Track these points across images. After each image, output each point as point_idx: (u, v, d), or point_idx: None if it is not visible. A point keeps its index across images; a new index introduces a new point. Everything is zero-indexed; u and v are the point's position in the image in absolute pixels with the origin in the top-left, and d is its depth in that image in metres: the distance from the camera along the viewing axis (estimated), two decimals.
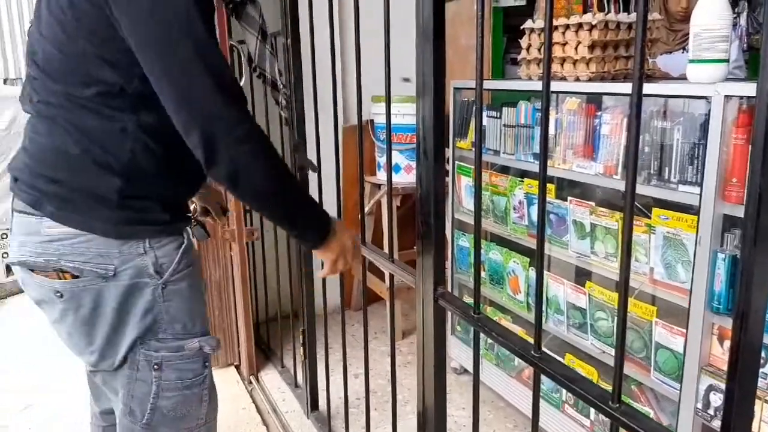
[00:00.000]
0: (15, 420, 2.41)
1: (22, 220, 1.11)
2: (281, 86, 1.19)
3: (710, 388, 1.51)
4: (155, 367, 1.16)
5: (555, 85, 1.94)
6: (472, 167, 2.32)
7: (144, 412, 1.17)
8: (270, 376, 2.60)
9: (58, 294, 1.10)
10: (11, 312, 3.57)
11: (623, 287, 0.77)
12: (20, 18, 5.99)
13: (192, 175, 1.20)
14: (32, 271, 1.12)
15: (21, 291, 3.78)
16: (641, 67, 0.73)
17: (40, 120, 1.09)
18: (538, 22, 2.08)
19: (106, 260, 1.09)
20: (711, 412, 1.52)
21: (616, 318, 1.56)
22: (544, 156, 0.88)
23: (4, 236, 3.76)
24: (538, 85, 2.06)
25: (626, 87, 1.71)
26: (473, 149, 2.18)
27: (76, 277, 1.09)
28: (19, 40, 6.01)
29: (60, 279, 1.09)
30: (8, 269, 3.79)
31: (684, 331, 1.56)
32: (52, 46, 1.05)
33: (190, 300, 1.20)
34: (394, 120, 2.72)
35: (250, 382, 2.57)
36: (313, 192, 1.82)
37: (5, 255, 3.77)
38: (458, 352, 2.56)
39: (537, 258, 0.94)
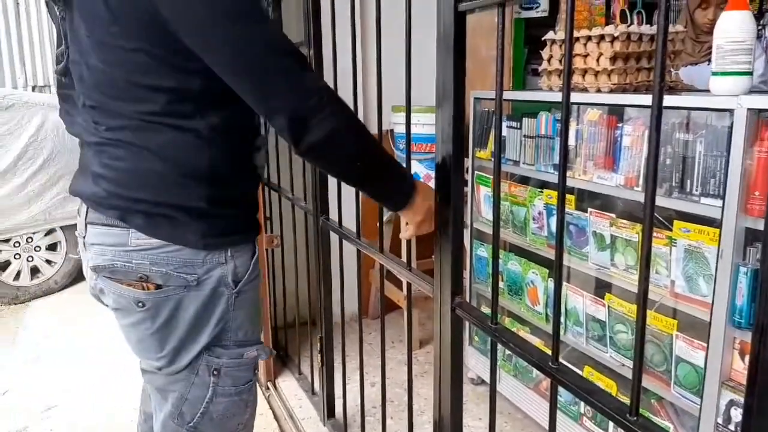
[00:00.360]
0: (36, 421, 2.44)
1: (104, 231, 1.11)
2: None
3: (731, 403, 1.49)
4: (214, 372, 1.18)
5: (576, 97, 1.94)
6: (492, 177, 2.32)
7: (194, 415, 1.19)
8: (287, 383, 2.61)
9: (140, 304, 1.12)
10: (35, 315, 3.63)
11: (642, 299, 0.77)
12: (50, 26, 6.12)
13: (257, 170, 1.24)
14: (112, 280, 1.12)
15: (45, 294, 3.85)
16: (662, 79, 0.73)
17: (115, 146, 1.09)
18: (559, 33, 2.09)
19: (191, 269, 1.11)
20: (732, 427, 1.50)
21: (635, 330, 1.55)
22: (563, 167, 0.88)
23: (30, 240, 3.82)
24: (558, 96, 2.05)
25: (648, 99, 1.70)
26: (492, 159, 2.19)
27: (159, 287, 1.11)
28: (48, 49, 6.14)
29: (144, 290, 1.11)
30: (33, 272, 3.86)
31: (705, 345, 1.54)
32: (108, 68, 1.05)
33: (254, 308, 1.24)
34: (413, 129, 2.74)
35: (267, 388, 2.59)
36: (332, 199, 1.84)
37: (30, 259, 3.84)
38: (475, 363, 2.55)
39: (555, 269, 0.94)
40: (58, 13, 1.12)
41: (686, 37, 2.86)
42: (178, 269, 1.10)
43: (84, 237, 1.16)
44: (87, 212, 1.14)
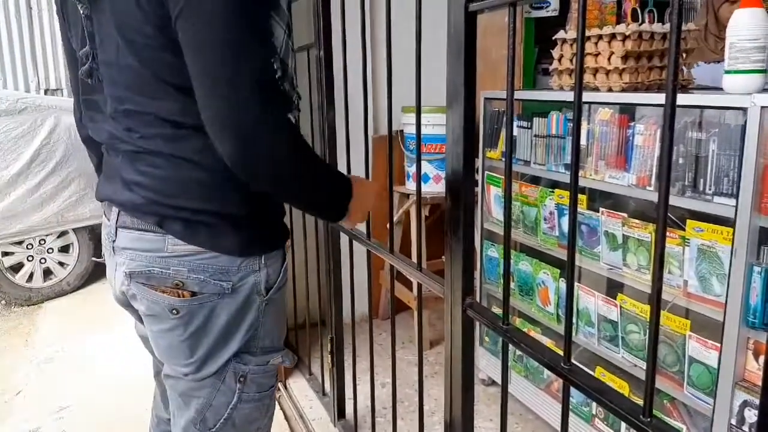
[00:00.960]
0: (48, 422, 2.46)
1: (138, 235, 1.10)
2: (296, 85, 1.19)
3: (745, 404, 1.47)
4: (240, 379, 1.17)
5: (587, 96, 1.93)
6: (502, 177, 2.31)
7: (217, 421, 1.18)
8: (298, 384, 2.62)
9: (174, 311, 1.10)
10: (48, 316, 3.66)
11: (655, 299, 0.77)
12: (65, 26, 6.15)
13: None
14: (147, 286, 1.11)
15: (57, 296, 3.88)
16: (675, 78, 0.72)
17: (151, 154, 1.07)
18: (570, 32, 2.08)
19: (226, 276, 1.10)
20: (746, 428, 1.48)
21: (648, 331, 1.54)
22: (575, 166, 0.87)
23: (42, 242, 3.86)
24: (569, 96, 2.06)
25: (659, 98, 1.69)
26: (503, 159, 2.18)
27: (194, 294, 1.10)
28: (60, 53, 6.18)
29: (178, 297, 1.09)
30: (46, 274, 3.89)
31: (718, 345, 1.53)
32: (141, 67, 1.03)
33: (280, 315, 1.24)
34: (423, 130, 2.73)
35: (278, 389, 2.59)
36: None
37: (42, 261, 3.87)
38: (486, 364, 2.54)
39: (568, 269, 0.94)
40: (82, 12, 1.09)
41: (707, 33, 2.83)
42: (214, 276, 1.10)
43: (114, 241, 1.14)
44: (118, 216, 1.12)
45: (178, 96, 1.03)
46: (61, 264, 3.95)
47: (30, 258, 3.85)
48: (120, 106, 1.08)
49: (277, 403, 2.47)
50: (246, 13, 0.96)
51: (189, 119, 1.03)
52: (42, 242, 3.87)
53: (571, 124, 0.87)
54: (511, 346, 1.09)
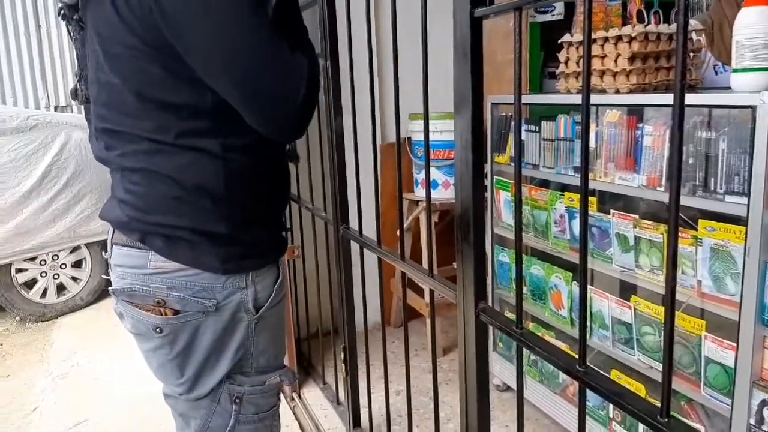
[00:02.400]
0: None
1: (126, 252, 1.10)
2: None
3: (763, 403, 1.46)
4: (236, 401, 1.15)
5: (595, 98, 1.93)
6: (512, 182, 2.31)
7: None
8: (312, 393, 2.61)
9: (158, 330, 1.09)
10: (62, 332, 3.68)
11: (669, 298, 0.76)
12: (71, 48, 6.23)
13: (283, 187, 1.22)
14: (131, 304, 1.11)
15: (71, 311, 3.91)
16: (683, 77, 0.72)
17: (131, 171, 1.07)
18: (576, 35, 2.08)
19: (209, 294, 1.09)
20: (765, 428, 1.47)
21: (663, 331, 1.53)
22: (585, 167, 0.87)
23: (55, 258, 3.88)
24: (576, 99, 2.05)
25: (667, 98, 1.68)
26: (512, 164, 2.18)
27: (177, 313, 1.08)
28: (69, 70, 6.25)
29: (161, 315, 1.08)
30: (59, 289, 3.92)
31: (734, 345, 1.51)
32: (121, 81, 1.02)
33: (277, 333, 1.22)
34: (431, 136, 2.74)
35: (293, 399, 2.59)
36: (352, 209, 1.84)
37: (56, 276, 3.90)
38: (501, 369, 2.53)
39: (581, 272, 0.93)
40: (71, 35, 1.12)
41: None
42: (196, 294, 1.08)
43: (110, 257, 1.16)
44: (113, 233, 1.14)
45: (158, 114, 1.02)
46: (75, 279, 3.97)
47: (43, 274, 3.88)
48: (100, 124, 1.08)
49: (292, 413, 2.47)
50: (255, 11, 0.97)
51: (167, 137, 1.03)
52: (55, 258, 3.90)
53: (579, 127, 0.87)
54: (525, 351, 1.08)
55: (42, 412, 2.68)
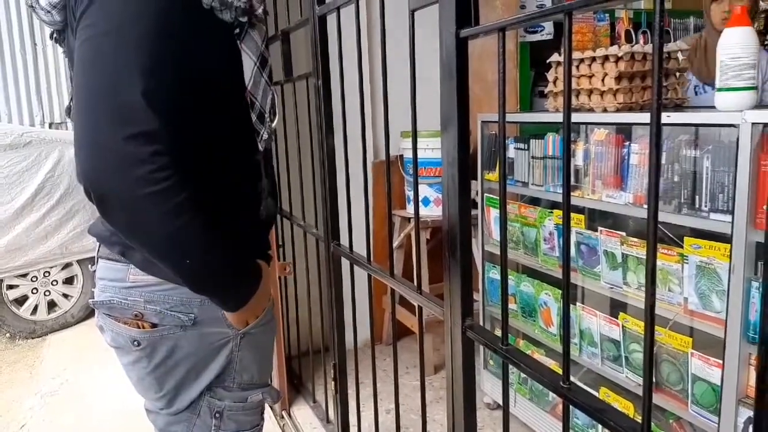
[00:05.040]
0: None
1: (107, 265, 1.11)
2: (267, 119, 1.15)
3: (749, 421, 1.46)
4: (216, 415, 1.14)
5: (583, 117, 1.96)
6: None
7: None
8: (302, 411, 2.60)
9: (135, 342, 1.09)
10: (52, 349, 3.65)
11: (648, 313, 0.77)
12: (66, 65, 6.26)
13: (254, 212, 1.17)
14: (110, 318, 1.11)
15: (61, 328, 3.89)
16: (659, 97, 0.74)
17: None
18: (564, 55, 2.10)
19: (187, 308, 1.08)
20: None
21: (643, 347, 1.54)
22: (567, 181, 0.89)
23: (47, 274, 3.87)
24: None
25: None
26: (499, 181, 2.19)
27: (155, 326, 1.08)
28: (64, 87, 6.27)
29: (139, 328, 1.08)
30: (50, 306, 3.90)
31: (720, 362, 1.52)
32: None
33: (263, 352, 1.20)
34: (422, 154, 2.76)
35: (282, 417, 2.58)
36: (343, 227, 1.85)
37: (47, 293, 3.88)
38: (491, 387, 2.53)
39: (564, 287, 0.94)
40: (65, 56, 1.13)
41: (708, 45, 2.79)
42: (174, 308, 1.07)
43: (95, 271, 1.16)
44: (99, 248, 1.14)
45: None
46: (66, 296, 3.96)
47: (35, 290, 3.86)
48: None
49: (281, 431, 2.46)
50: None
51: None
52: (46, 274, 3.89)
53: (563, 139, 0.89)
54: (513, 368, 1.09)
55: (30, 430, 2.66)
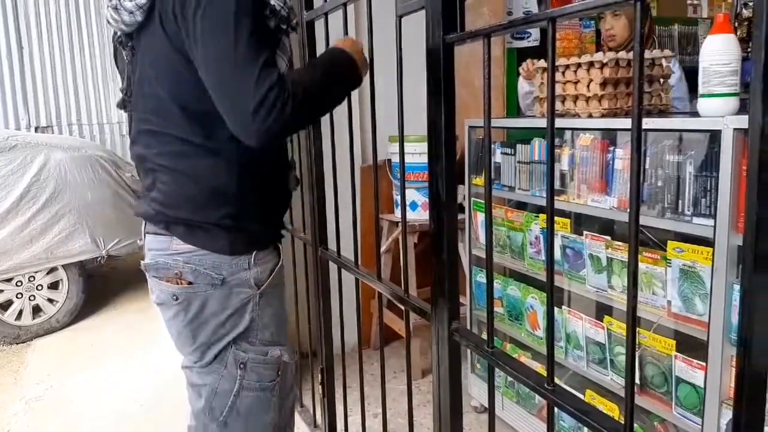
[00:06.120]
0: None
1: (154, 238, 1.34)
2: None
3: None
4: (241, 366, 1.35)
5: (568, 122, 1.98)
6: None
7: (223, 409, 1.35)
8: None
9: (174, 297, 1.32)
10: (37, 354, 3.62)
11: (630, 314, 0.78)
12: (52, 68, 6.23)
13: (284, 190, 1.44)
14: (157, 278, 1.34)
15: (46, 333, 3.85)
16: (640, 102, 0.75)
17: (161, 171, 1.31)
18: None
19: (218, 270, 1.31)
20: None
21: (625, 349, 1.55)
22: (550, 184, 0.90)
23: (32, 279, 3.84)
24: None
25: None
26: (484, 185, 2.20)
27: (191, 283, 1.31)
28: (51, 91, 6.24)
29: (178, 284, 1.31)
30: (35, 311, 3.86)
31: (704, 364, 1.54)
32: (164, 93, 1.25)
33: (279, 312, 1.43)
34: (410, 159, 2.77)
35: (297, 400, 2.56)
36: (331, 232, 1.85)
37: (32, 298, 3.85)
38: (479, 391, 2.54)
39: (548, 289, 0.96)
40: (125, 57, 1.34)
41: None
42: (207, 269, 1.30)
43: (144, 244, 1.39)
44: (145, 225, 1.38)
45: (190, 119, 1.25)
46: (51, 301, 3.92)
47: (19, 295, 3.82)
48: (143, 126, 1.32)
49: None
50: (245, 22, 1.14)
51: (195, 139, 1.26)
52: (31, 279, 3.85)
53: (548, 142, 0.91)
54: (498, 370, 1.10)
55: None
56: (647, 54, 1.93)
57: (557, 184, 2.00)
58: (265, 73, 1.11)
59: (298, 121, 1.23)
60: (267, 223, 1.40)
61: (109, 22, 1.32)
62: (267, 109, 1.10)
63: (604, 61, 1.89)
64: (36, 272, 3.85)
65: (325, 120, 1.90)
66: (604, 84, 1.89)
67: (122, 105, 1.41)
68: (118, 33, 1.34)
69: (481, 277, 2.48)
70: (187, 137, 1.26)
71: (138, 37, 1.30)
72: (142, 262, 1.39)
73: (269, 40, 1.24)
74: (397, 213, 3.01)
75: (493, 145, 2.08)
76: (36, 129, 6.09)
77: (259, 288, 1.35)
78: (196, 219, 1.29)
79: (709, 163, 1.52)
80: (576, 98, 1.99)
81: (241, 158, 1.27)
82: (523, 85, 2.77)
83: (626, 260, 1.77)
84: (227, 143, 1.24)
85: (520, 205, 2.32)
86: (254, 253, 1.33)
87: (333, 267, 1.94)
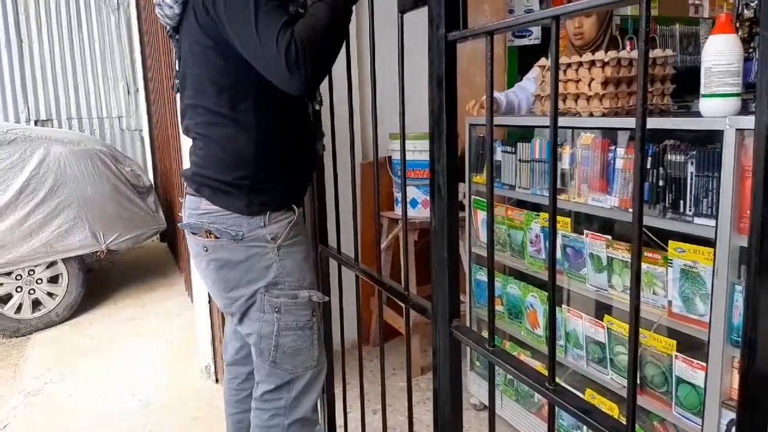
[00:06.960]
0: None
1: (190, 198, 1.59)
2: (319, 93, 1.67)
3: (732, 423, 1.48)
4: (276, 309, 1.57)
5: (569, 121, 1.97)
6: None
7: (269, 350, 1.59)
8: None
9: (205, 248, 1.56)
10: (37, 348, 3.62)
11: (633, 314, 0.78)
12: (52, 62, 6.21)
13: (307, 162, 1.68)
14: (192, 234, 1.59)
15: (46, 327, 3.85)
16: (644, 101, 0.75)
17: (198, 138, 1.56)
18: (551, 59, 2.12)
19: (238, 228, 1.53)
20: None
21: (627, 349, 1.55)
22: (553, 184, 0.90)
23: (31, 272, 3.84)
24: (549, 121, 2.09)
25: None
26: (486, 183, 2.20)
27: (217, 238, 1.54)
28: (51, 84, 6.22)
29: (207, 238, 1.55)
30: (35, 305, 3.86)
31: (704, 364, 1.54)
32: (198, 70, 1.49)
33: (300, 261, 1.62)
34: (410, 156, 2.76)
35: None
36: (331, 228, 1.85)
37: (31, 291, 3.85)
38: (478, 388, 2.54)
39: (550, 288, 0.95)
40: (174, 47, 1.62)
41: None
42: (229, 227, 1.52)
43: (183, 202, 1.63)
44: (185, 186, 1.61)
45: (219, 93, 1.47)
46: (50, 295, 3.92)
47: (19, 289, 3.83)
48: (187, 101, 1.57)
49: None
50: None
51: (223, 110, 1.48)
52: (31, 273, 3.85)
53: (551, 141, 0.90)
54: (498, 369, 1.10)
55: (13, 429, 2.63)
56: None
57: (558, 183, 1.99)
58: (282, 39, 1.30)
59: (322, 60, 1.38)
60: (284, 186, 1.58)
61: (159, 20, 1.58)
62: (296, 66, 1.30)
63: (606, 60, 1.89)
64: (35, 266, 3.85)
65: (325, 117, 1.90)
66: (605, 83, 1.89)
67: (175, 88, 1.66)
68: (167, 27, 1.60)
69: (481, 275, 2.48)
70: (216, 109, 1.48)
71: (181, 27, 1.55)
72: (179, 224, 1.65)
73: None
74: (398, 210, 3.01)
75: (493, 143, 2.07)
76: (36, 122, 6.07)
77: (276, 242, 1.55)
78: (221, 178, 1.51)
79: (711, 164, 1.52)
80: (577, 97, 1.99)
81: (259, 127, 1.49)
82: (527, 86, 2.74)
83: (627, 260, 1.77)
84: (248, 114, 1.48)
85: (521, 204, 2.32)
86: (268, 213, 1.53)
87: (333, 264, 1.94)
